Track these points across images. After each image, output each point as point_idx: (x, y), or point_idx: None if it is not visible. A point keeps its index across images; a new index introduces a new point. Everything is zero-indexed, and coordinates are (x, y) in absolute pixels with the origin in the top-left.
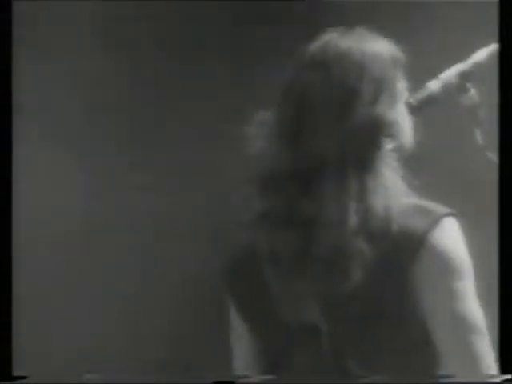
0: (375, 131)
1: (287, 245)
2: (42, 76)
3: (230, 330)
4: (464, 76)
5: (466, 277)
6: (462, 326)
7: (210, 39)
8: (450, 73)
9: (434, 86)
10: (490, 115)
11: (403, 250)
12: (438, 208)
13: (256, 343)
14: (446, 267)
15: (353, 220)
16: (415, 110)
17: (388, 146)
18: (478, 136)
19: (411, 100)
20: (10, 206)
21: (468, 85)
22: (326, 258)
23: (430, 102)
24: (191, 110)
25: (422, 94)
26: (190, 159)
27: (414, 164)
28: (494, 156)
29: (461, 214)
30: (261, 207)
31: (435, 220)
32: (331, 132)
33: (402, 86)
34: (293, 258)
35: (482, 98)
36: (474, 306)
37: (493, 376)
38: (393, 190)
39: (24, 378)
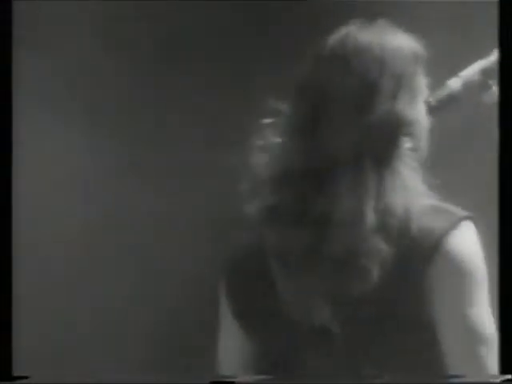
0: (394, 128)
1: (299, 243)
2: (42, 76)
3: (220, 330)
4: (486, 73)
5: (479, 283)
6: (470, 335)
7: (210, 39)
8: (472, 70)
9: (454, 84)
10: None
11: (419, 252)
12: (456, 210)
13: (253, 344)
14: (459, 272)
15: (370, 219)
16: (435, 109)
17: (406, 145)
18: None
19: (431, 99)
20: (10, 206)
21: (490, 82)
22: (340, 257)
23: (451, 100)
24: (191, 110)
25: (441, 92)
26: (190, 159)
27: (433, 164)
28: None
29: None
30: (272, 203)
31: (452, 223)
32: (349, 128)
33: (422, 82)
34: (305, 257)
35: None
36: (485, 315)
37: (493, 376)
38: (411, 190)
39: (24, 378)
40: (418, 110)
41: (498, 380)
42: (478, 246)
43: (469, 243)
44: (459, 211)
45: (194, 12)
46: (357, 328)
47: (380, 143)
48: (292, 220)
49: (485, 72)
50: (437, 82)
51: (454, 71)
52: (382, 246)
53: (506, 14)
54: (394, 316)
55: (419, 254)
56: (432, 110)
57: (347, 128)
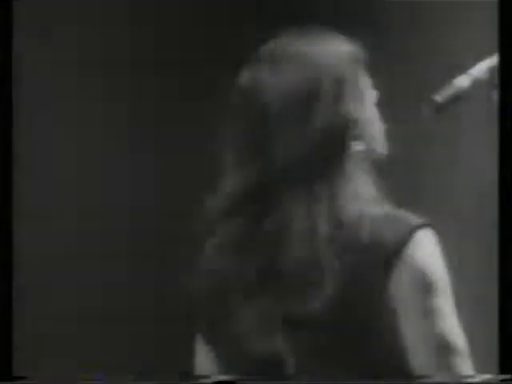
0: (341, 131)
1: (253, 266)
2: (42, 75)
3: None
4: (494, 71)
5: (442, 293)
6: (436, 347)
7: (210, 39)
8: (479, 68)
9: (461, 82)
10: None
11: (375, 264)
12: (413, 218)
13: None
14: (420, 283)
15: (323, 230)
16: (442, 107)
17: (357, 147)
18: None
19: (437, 97)
20: (11, 206)
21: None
22: (295, 274)
23: (457, 98)
24: (191, 110)
25: (448, 90)
26: (190, 161)
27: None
28: None
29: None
30: (224, 227)
31: (409, 231)
32: (294, 136)
33: (366, 83)
34: (260, 280)
35: None
36: (451, 326)
37: (493, 376)
38: (365, 195)
39: (24, 378)
40: (366, 111)
41: (498, 380)
42: (438, 254)
43: (427, 251)
44: (416, 218)
45: (195, 12)
46: (314, 346)
47: (329, 148)
48: (245, 243)
49: (493, 70)
50: (443, 80)
51: (452, 70)
52: (335, 259)
53: (506, 14)
54: (353, 329)
55: (375, 266)
56: (439, 108)
57: (293, 136)
